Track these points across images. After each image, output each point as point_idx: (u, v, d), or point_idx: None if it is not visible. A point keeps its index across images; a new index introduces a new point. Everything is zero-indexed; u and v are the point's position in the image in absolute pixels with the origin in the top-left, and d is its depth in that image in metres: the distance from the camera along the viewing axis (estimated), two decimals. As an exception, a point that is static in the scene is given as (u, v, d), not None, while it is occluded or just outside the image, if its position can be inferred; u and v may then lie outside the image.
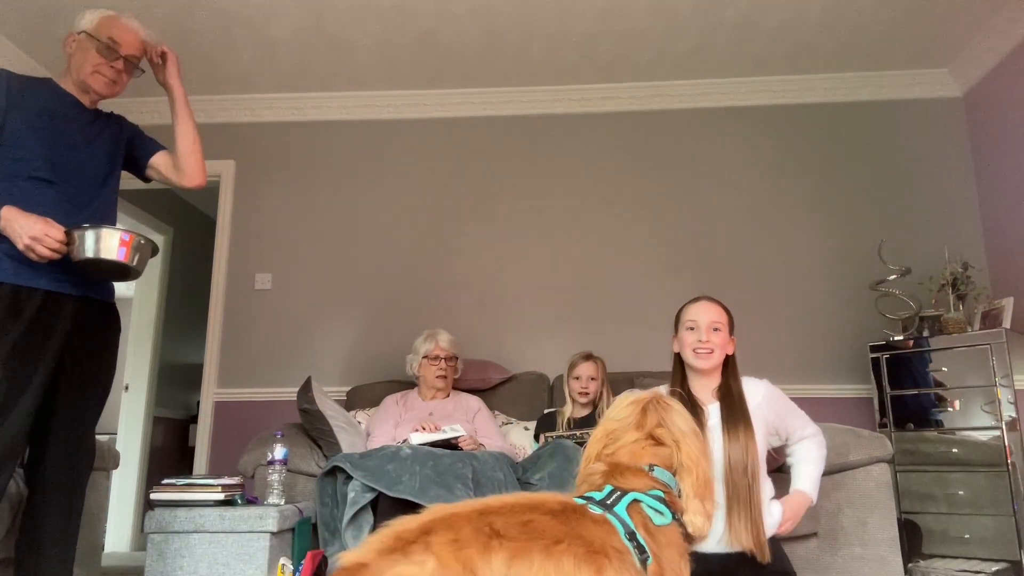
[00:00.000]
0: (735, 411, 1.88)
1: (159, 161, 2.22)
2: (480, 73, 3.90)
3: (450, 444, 2.58)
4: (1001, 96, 3.56)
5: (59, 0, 3.22)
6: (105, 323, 2.05)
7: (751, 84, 3.95)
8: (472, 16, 3.39)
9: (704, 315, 1.96)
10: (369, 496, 2.23)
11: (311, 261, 3.98)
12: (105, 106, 2.17)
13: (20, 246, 1.79)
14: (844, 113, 3.94)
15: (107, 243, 1.86)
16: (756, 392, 1.95)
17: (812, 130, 3.94)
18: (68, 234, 1.84)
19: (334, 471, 2.40)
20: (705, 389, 1.97)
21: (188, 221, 5.38)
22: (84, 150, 2.04)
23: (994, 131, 3.63)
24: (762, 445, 1.89)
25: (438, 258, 3.94)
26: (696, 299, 2.03)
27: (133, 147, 2.20)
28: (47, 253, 1.81)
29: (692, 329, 1.96)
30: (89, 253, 1.85)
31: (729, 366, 1.98)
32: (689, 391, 1.96)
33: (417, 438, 2.55)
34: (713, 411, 1.92)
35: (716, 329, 1.94)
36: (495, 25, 3.46)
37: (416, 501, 2.15)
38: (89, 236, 1.85)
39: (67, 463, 1.96)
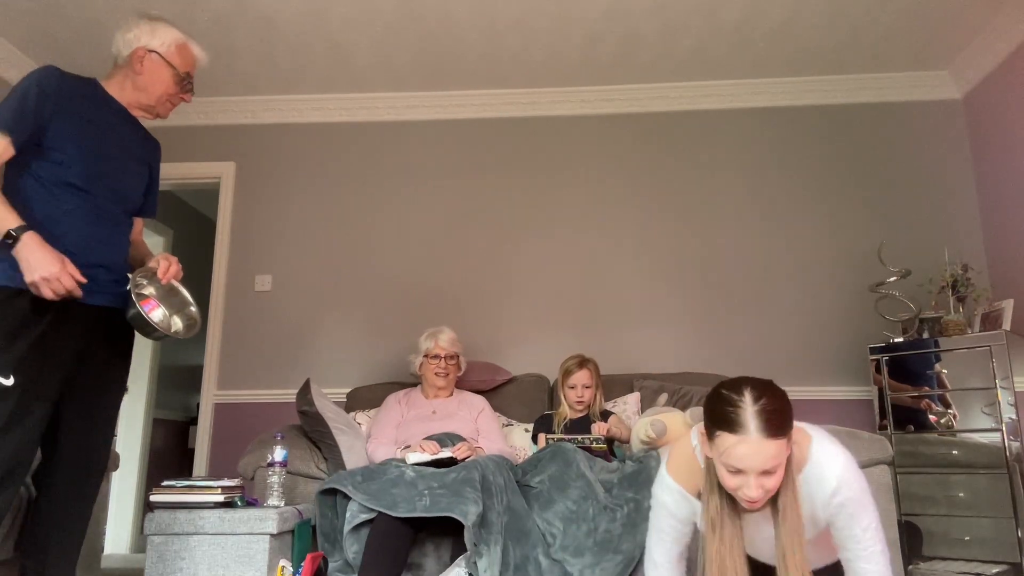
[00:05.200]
0: (780, 519, 1.46)
1: (136, 225, 2.20)
2: (480, 75, 3.90)
3: (445, 462, 2.52)
4: (1001, 98, 3.56)
5: (58, 0, 3.22)
6: (119, 331, 2.05)
7: (751, 86, 3.96)
8: (472, 18, 3.40)
9: (755, 460, 1.37)
10: (369, 516, 2.22)
11: (311, 263, 3.98)
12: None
13: (27, 279, 1.75)
14: (844, 115, 3.94)
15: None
16: (823, 488, 1.46)
17: (812, 132, 3.95)
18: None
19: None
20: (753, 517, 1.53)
21: (188, 222, 5.38)
22: (119, 163, 2.05)
23: (994, 133, 3.63)
24: (810, 534, 1.51)
25: (438, 259, 3.94)
26: (735, 409, 1.39)
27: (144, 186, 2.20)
28: (51, 295, 1.77)
29: (735, 473, 1.41)
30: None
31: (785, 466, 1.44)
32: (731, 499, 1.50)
33: (414, 457, 2.50)
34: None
35: (769, 472, 1.39)
36: (495, 27, 3.47)
37: (423, 516, 2.14)
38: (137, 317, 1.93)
39: (77, 469, 1.98)
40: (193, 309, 2.11)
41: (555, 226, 3.94)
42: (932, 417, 3.11)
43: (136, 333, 2.03)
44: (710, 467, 1.50)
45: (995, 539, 2.88)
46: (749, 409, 1.38)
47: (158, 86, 2.05)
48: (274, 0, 3.25)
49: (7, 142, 1.81)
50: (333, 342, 3.88)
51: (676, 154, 3.99)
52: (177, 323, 2.09)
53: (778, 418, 1.38)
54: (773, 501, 1.45)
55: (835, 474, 1.43)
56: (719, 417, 1.42)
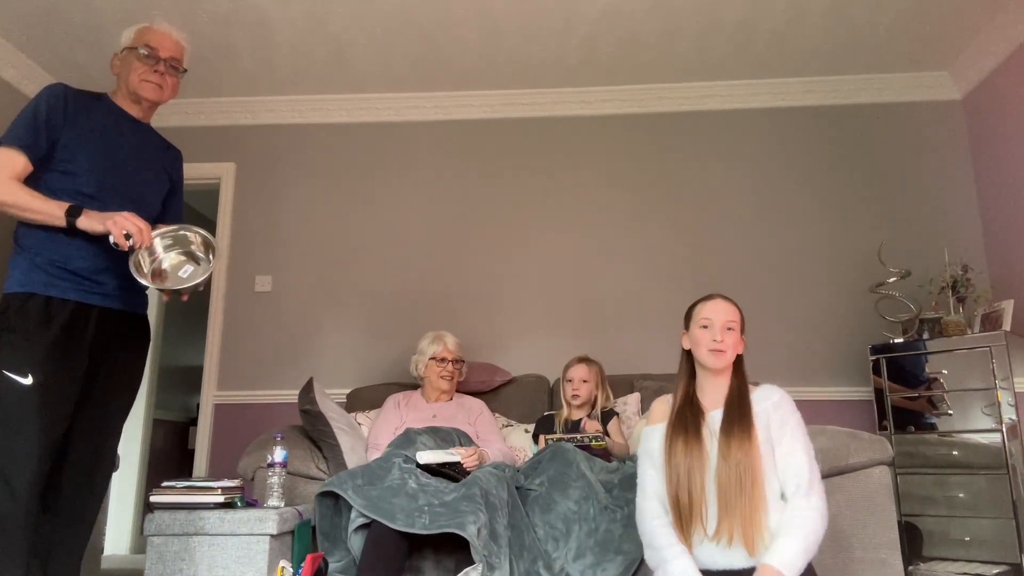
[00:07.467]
0: (733, 420, 1.84)
1: None
2: (480, 76, 3.90)
3: (452, 471, 2.48)
4: (1001, 99, 3.56)
5: (58, 1, 3.22)
6: (134, 334, 2.07)
7: (751, 87, 3.96)
8: (472, 19, 3.40)
9: (719, 314, 1.93)
10: (366, 520, 2.21)
11: (311, 263, 3.98)
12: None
13: (106, 226, 1.87)
14: (844, 116, 3.95)
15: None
16: (767, 398, 1.90)
17: (812, 133, 3.95)
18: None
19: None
20: (715, 390, 1.93)
21: (187, 223, 5.37)
22: (132, 171, 2.11)
23: (994, 134, 3.63)
24: (767, 454, 1.81)
25: (439, 260, 3.94)
26: (710, 296, 2.01)
27: (166, 193, 2.27)
28: (131, 228, 1.90)
29: (706, 327, 1.92)
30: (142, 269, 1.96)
31: (737, 368, 1.96)
32: (694, 393, 1.94)
33: (425, 457, 2.47)
34: (716, 417, 1.88)
35: (730, 328, 1.92)
36: (495, 28, 3.47)
37: (422, 533, 2.13)
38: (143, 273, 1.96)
39: (86, 469, 2.00)
40: (199, 238, 2.17)
41: (555, 226, 3.94)
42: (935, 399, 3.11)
43: (152, 330, 2.09)
44: (683, 363, 1.99)
45: (995, 539, 2.88)
46: (714, 295, 2.02)
47: (130, 72, 2.13)
48: (274, 1, 3.26)
49: (26, 160, 1.91)
50: (333, 342, 3.88)
51: (676, 155, 3.99)
52: (175, 257, 2.12)
53: (732, 301, 1.99)
54: (728, 418, 1.86)
55: (778, 392, 1.92)
56: (695, 304, 2.01)
